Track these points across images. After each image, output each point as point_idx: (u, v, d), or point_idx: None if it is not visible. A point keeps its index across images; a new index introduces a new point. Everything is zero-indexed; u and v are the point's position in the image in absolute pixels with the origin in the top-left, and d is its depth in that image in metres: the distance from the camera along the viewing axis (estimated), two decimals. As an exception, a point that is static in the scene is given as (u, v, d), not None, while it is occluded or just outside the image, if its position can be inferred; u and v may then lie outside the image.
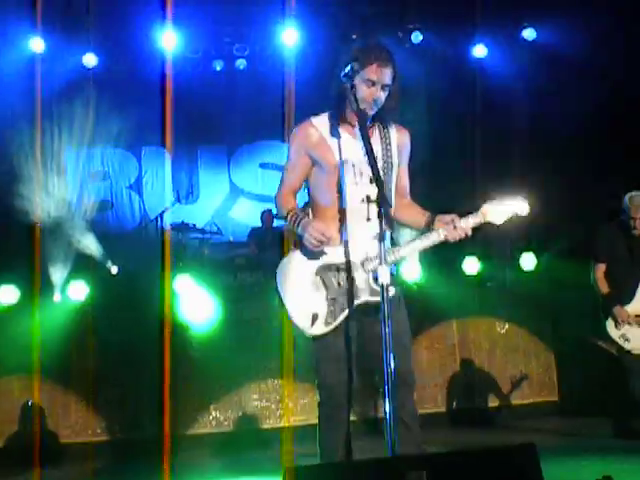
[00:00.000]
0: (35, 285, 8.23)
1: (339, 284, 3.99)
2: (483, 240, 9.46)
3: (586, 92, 8.95)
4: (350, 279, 3.97)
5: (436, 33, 10.41)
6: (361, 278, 3.98)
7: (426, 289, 8.65)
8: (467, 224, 4.03)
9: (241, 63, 10.63)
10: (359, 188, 3.98)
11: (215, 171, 11.32)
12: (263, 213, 10.30)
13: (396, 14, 10.24)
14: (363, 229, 3.98)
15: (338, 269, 3.99)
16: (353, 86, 3.93)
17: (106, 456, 7.85)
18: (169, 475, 6.56)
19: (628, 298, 6.79)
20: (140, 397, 8.22)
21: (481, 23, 10.09)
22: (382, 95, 3.96)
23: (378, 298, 3.75)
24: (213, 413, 8.31)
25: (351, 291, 3.97)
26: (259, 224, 10.34)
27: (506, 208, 4.10)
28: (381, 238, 3.59)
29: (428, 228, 4.08)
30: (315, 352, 4.05)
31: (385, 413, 3.53)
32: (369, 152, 3.74)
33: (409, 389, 4.02)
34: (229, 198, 11.35)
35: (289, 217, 4.04)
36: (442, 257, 9.19)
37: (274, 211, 10.31)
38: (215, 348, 8.15)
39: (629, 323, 6.71)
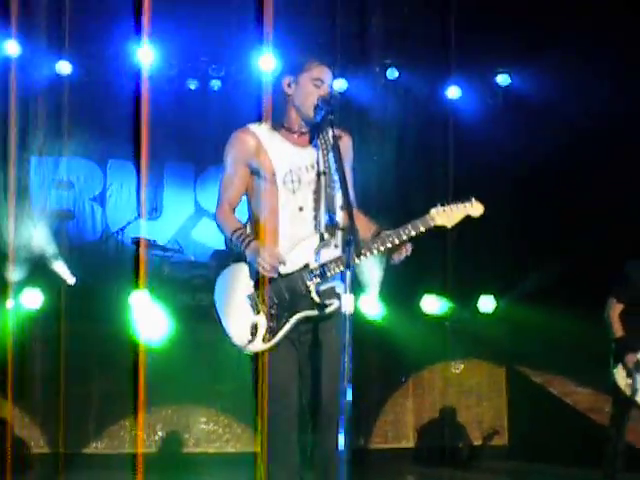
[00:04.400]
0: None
1: (278, 298, 3.83)
2: (443, 279, 9.51)
3: (556, 140, 9.04)
4: (289, 292, 3.83)
5: (412, 71, 10.46)
6: (301, 290, 3.82)
7: (383, 325, 8.66)
8: (415, 229, 3.78)
9: (215, 84, 10.58)
10: (296, 196, 3.89)
11: (181, 189, 11.23)
12: (226, 236, 10.21)
13: (374, 48, 10.28)
14: (304, 240, 3.86)
15: (277, 282, 3.83)
16: (297, 91, 3.91)
17: (49, 469, 7.70)
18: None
19: None
20: (86, 412, 8.11)
21: (456, 65, 10.15)
22: (334, 93, 3.91)
23: (317, 312, 3.77)
24: (159, 433, 8.20)
25: (290, 305, 3.83)
26: (221, 246, 10.25)
27: (457, 209, 3.87)
28: (347, 265, 3.40)
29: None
30: (253, 372, 3.88)
31: (338, 446, 3.28)
32: (339, 167, 3.63)
33: (329, 422, 3.70)
34: (193, 217, 11.24)
35: (234, 237, 3.86)
36: (401, 294, 9.20)
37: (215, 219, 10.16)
38: (167, 367, 8.03)
39: None
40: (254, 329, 3.82)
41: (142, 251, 9.45)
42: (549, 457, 8.06)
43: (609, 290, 6.54)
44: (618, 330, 6.41)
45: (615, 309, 6.47)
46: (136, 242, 9.64)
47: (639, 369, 6.24)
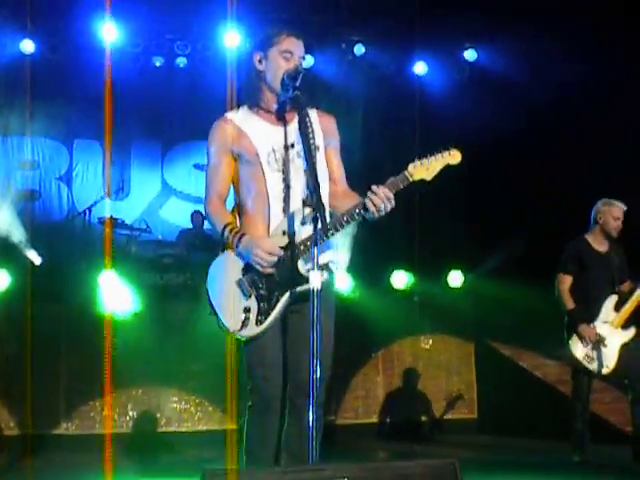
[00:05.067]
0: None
1: (267, 279, 3.79)
2: (412, 255, 9.54)
3: (519, 116, 9.05)
4: (277, 271, 3.78)
5: (379, 47, 10.42)
6: (287, 267, 3.76)
7: (353, 300, 8.67)
8: (394, 186, 3.72)
9: (181, 61, 10.47)
10: (280, 175, 3.83)
11: (148, 168, 11.16)
12: (193, 214, 10.19)
13: (341, 25, 10.24)
14: (287, 218, 3.80)
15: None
16: (267, 66, 3.84)
17: (19, 450, 7.65)
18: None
19: (594, 315, 6.49)
20: (56, 393, 8.07)
21: (423, 41, 10.14)
22: (301, 67, 3.82)
23: (307, 286, 3.62)
24: (130, 413, 8.17)
25: (280, 284, 3.78)
26: (189, 225, 10.23)
27: (435, 161, 3.79)
28: (315, 242, 3.45)
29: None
30: (247, 355, 3.86)
31: (307, 422, 3.37)
32: (305, 144, 3.62)
33: (301, 399, 3.74)
34: (160, 196, 11.18)
35: (226, 232, 3.83)
36: (371, 269, 9.23)
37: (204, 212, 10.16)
38: (136, 348, 8.00)
39: (599, 342, 6.37)
40: (247, 313, 3.78)
41: (109, 231, 9.39)
42: (519, 430, 8.13)
43: (557, 265, 6.74)
44: (569, 302, 6.62)
45: (565, 283, 6.68)
46: (103, 222, 9.58)
47: (599, 342, 6.40)
